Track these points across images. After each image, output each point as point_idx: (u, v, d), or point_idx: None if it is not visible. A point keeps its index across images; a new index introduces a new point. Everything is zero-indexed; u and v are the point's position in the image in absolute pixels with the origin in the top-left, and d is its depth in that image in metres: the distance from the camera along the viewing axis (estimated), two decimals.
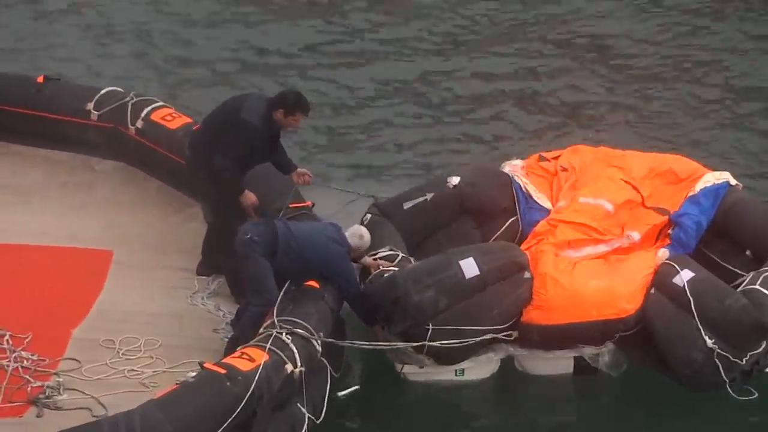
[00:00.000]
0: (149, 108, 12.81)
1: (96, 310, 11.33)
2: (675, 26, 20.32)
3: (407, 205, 11.61)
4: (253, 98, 11.13)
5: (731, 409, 11.18)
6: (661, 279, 10.98)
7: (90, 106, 13.03)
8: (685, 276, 10.76)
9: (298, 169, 11.42)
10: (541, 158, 12.52)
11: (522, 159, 12.63)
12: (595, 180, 12.21)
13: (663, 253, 11.29)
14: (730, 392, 10.74)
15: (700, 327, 10.43)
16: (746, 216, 11.79)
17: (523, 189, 12.07)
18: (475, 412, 11.35)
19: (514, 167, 12.27)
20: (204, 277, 11.66)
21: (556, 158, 12.59)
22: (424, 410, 11.30)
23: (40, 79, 13.55)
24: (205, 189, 11.26)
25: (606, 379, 11.33)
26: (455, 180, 11.81)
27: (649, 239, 11.89)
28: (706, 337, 10.42)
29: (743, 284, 11.18)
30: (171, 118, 12.45)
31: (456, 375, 11.03)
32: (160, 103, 12.94)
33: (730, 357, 10.51)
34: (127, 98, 12.92)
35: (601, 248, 11.65)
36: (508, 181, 12.01)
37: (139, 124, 12.76)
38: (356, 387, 10.91)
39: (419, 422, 11.16)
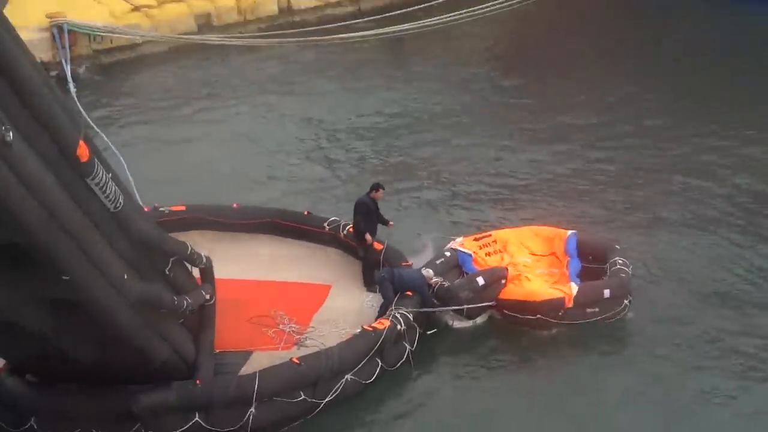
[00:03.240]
0: (348, 226, 18.74)
1: (323, 308, 17.41)
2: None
3: (438, 261, 17.99)
4: (362, 195, 18.06)
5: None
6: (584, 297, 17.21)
7: (326, 224, 19.33)
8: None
9: (389, 222, 18.10)
10: (476, 239, 18.81)
11: (462, 237, 18.99)
12: (517, 253, 18.68)
13: (573, 287, 17.59)
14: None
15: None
16: (586, 244, 18.62)
17: (458, 248, 18.39)
18: (484, 336, 17.39)
19: (454, 242, 18.73)
20: (371, 292, 17.64)
21: (484, 236, 18.83)
22: (463, 338, 17.35)
23: (306, 213, 19.66)
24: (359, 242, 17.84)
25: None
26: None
27: (554, 264, 18.58)
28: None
29: (609, 272, 17.52)
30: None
31: (473, 323, 17.51)
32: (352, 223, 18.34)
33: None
34: (341, 221, 19.10)
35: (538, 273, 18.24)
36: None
37: (344, 232, 18.91)
38: (435, 330, 17.15)
39: (461, 344, 17.17)
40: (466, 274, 18.30)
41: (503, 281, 17.73)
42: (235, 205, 19.99)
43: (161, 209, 19.09)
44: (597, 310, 17.49)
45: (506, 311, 17.62)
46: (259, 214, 19.79)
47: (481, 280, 17.59)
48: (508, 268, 18.13)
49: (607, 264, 17.92)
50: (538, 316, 17.25)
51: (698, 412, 15.62)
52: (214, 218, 19.62)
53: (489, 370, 16.93)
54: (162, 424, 14.93)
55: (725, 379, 16.42)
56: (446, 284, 17.49)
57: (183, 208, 19.62)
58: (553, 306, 17.36)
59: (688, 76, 28.17)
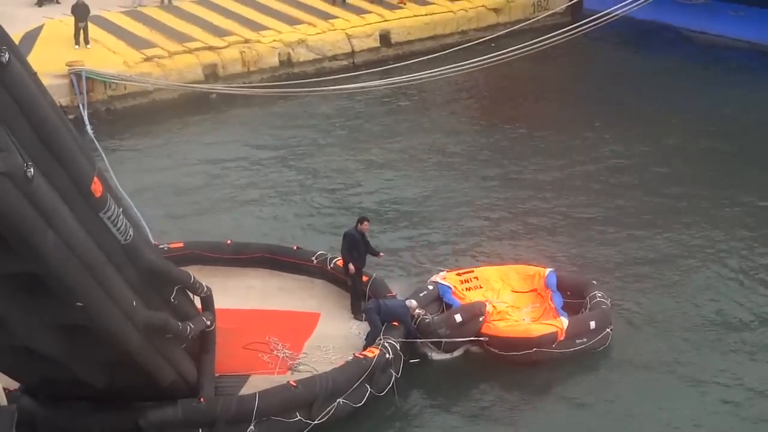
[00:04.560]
0: (335, 259, 19.03)
1: (314, 335, 17.72)
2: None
3: (421, 294, 18.17)
4: (350, 227, 18.35)
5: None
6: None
7: (314, 258, 19.43)
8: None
9: (380, 254, 18.38)
10: (459, 274, 19.02)
11: (446, 270, 19.26)
12: (501, 291, 18.83)
13: (564, 321, 17.79)
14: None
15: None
16: (564, 281, 18.91)
17: (440, 281, 18.60)
18: (460, 367, 17.61)
19: (438, 276, 18.95)
20: (357, 320, 17.78)
21: (467, 272, 19.10)
22: (441, 368, 17.64)
23: (295, 248, 19.79)
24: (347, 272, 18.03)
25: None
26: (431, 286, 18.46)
27: (536, 299, 18.70)
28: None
29: (590, 305, 17.86)
30: (341, 262, 18.47)
31: (451, 356, 17.70)
32: (339, 257, 18.62)
33: None
34: (328, 255, 19.23)
35: (525, 311, 18.52)
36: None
37: (331, 265, 19.15)
38: (418, 360, 17.44)
39: (439, 375, 17.46)
40: (446, 304, 18.61)
41: (481, 318, 17.93)
42: (228, 242, 20.25)
43: (161, 246, 19.14)
44: (585, 340, 17.88)
45: (500, 351, 17.87)
46: (251, 249, 20.07)
47: (458, 317, 17.83)
48: (487, 304, 18.26)
49: (587, 298, 18.37)
50: (535, 349, 17.50)
51: None
52: (209, 254, 19.89)
53: (468, 398, 17.36)
54: None
55: (706, 397, 17.15)
56: (427, 318, 17.80)
57: (181, 244, 19.89)
58: (548, 340, 17.69)
59: (658, 123, 29.04)
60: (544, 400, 17.10)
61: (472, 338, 17.88)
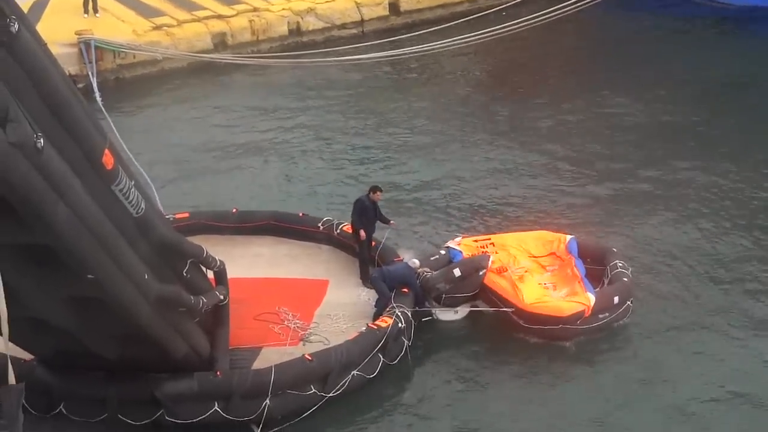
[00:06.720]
0: (342, 225, 18.93)
1: (323, 303, 17.53)
2: None
3: (432, 258, 17.96)
4: (363, 195, 18.18)
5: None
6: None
7: (320, 224, 19.39)
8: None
9: (391, 221, 18.34)
10: (476, 240, 18.72)
11: (462, 236, 19.04)
12: (518, 257, 18.46)
13: (591, 298, 17.31)
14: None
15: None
16: (587, 248, 18.63)
17: (453, 246, 18.33)
18: (460, 325, 17.56)
19: (453, 241, 18.72)
20: (366, 287, 17.66)
21: (483, 239, 18.80)
22: (444, 327, 17.62)
23: (301, 215, 19.66)
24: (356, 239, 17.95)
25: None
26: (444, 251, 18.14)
27: (554, 262, 18.37)
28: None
29: (610, 274, 17.64)
30: (348, 228, 18.53)
31: (455, 313, 17.61)
32: (346, 223, 18.72)
33: None
34: (334, 221, 19.13)
35: (546, 275, 18.21)
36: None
37: (338, 231, 19.04)
38: (432, 316, 17.33)
39: (442, 331, 17.48)
40: None
41: (482, 272, 17.63)
42: (234, 210, 20.12)
43: (166, 216, 18.47)
44: (607, 314, 17.58)
45: (525, 323, 17.55)
46: (257, 217, 19.91)
47: (457, 272, 17.57)
48: (491, 257, 18.05)
49: (607, 267, 18.08)
50: (561, 326, 17.22)
51: (699, 410, 15.89)
52: (215, 223, 19.76)
53: (479, 363, 17.15)
54: (183, 412, 15.19)
55: (725, 367, 16.90)
56: (428, 274, 17.54)
57: (186, 215, 19.75)
58: (576, 317, 17.40)
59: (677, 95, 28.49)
60: (560, 369, 16.88)
61: (497, 308, 17.65)
